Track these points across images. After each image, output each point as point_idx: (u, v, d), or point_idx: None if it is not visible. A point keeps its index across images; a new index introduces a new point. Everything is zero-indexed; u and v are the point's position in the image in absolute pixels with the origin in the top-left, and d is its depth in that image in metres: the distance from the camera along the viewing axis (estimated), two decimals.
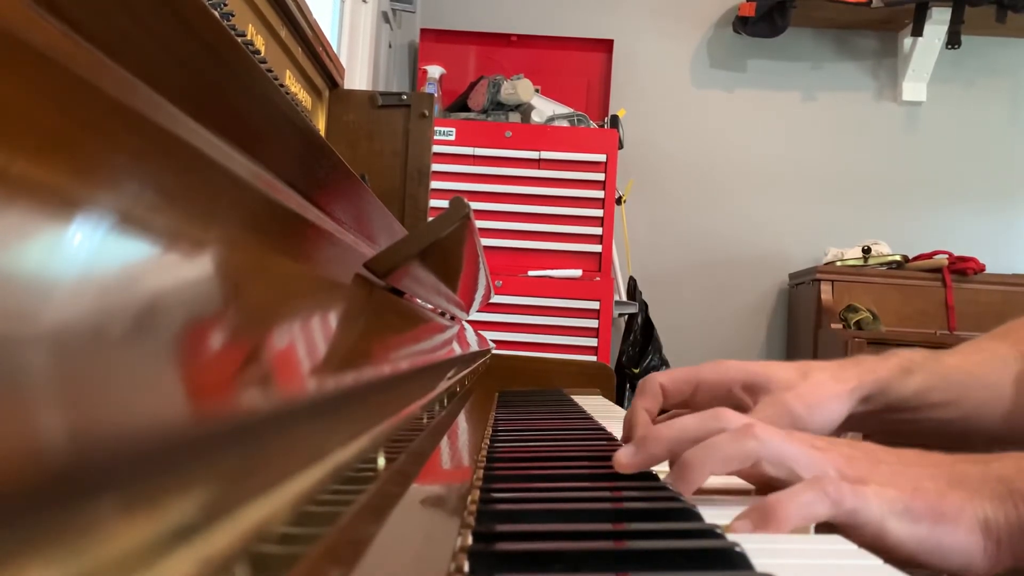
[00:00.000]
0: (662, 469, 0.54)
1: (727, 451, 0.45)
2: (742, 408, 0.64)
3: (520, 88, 2.64)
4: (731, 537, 0.35)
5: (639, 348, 2.82)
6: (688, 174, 3.12)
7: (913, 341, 2.41)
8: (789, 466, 0.45)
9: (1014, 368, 0.68)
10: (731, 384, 0.67)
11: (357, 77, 2.13)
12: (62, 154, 0.16)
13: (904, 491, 0.43)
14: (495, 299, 2.31)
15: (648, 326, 2.86)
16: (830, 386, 0.66)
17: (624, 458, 0.48)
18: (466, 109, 2.73)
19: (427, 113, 1.30)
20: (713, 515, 0.39)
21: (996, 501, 0.44)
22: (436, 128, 1.86)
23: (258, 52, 0.87)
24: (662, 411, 0.68)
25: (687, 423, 0.49)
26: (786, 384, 0.66)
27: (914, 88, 3.10)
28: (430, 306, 0.80)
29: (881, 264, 2.79)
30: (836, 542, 0.38)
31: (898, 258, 2.79)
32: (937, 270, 2.71)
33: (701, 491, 0.47)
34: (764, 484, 0.47)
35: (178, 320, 0.20)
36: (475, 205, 2.24)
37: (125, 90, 0.20)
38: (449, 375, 0.79)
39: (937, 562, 0.43)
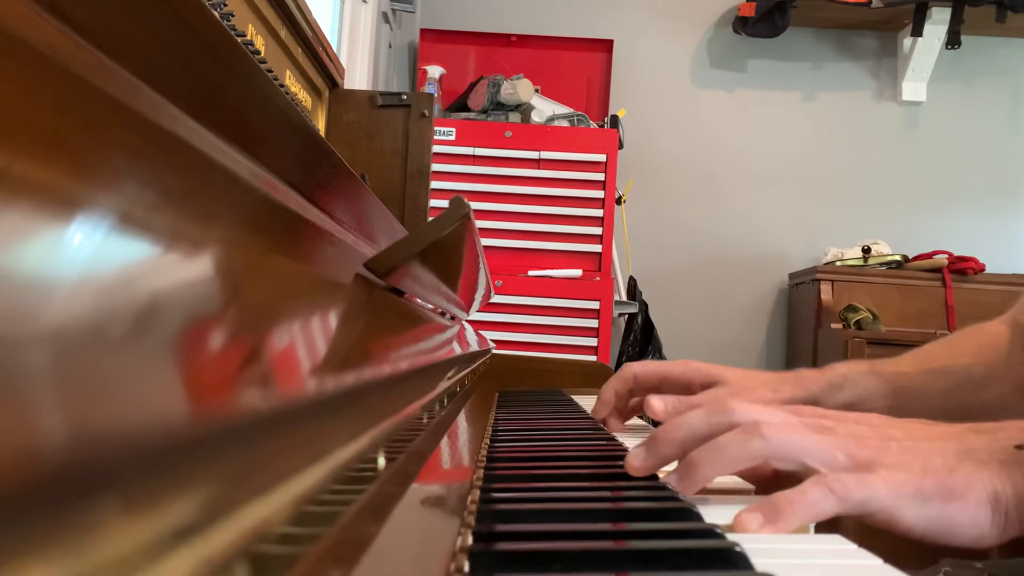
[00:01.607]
0: (664, 470, 0.54)
1: (733, 452, 0.45)
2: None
3: (520, 88, 2.64)
4: (732, 536, 0.35)
5: (639, 348, 2.82)
6: (688, 174, 3.12)
7: (913, 341, 2.41)
8: (797, 459, 0.45)
9: (950, 381, 0.76)
10: (693, 382, 0.79)
11: (357, 77, 2.13)
12: (62, 154, 0.16)
13: (914, 472, 0.44)
14: (495, 299, 2.31)
15: (648, 326, 2.86)
16: (766, 397, 0.75)
17: (636, 461, 0.49)
18: (466, 109, 2.73)
19: (427, 113, 1.30)
20: (713, 514, 0.39)
21: (1004, 471, 0.45)
22: (436, 128, 1.86)
23: (258, 52, 0.87)
24: (632, 397, 0.82)
25: (695, 422, 0.49)
26: (730, 383, 0.77)
27: (914, 88, 3.10)
28: (430, 306, 0.80)
29: (881, 264, 2.79)
30: (836, 542, 0.38)
31: (898, 258, 2.79)
32: (937, 270, 2.71)
33: (702, 490, 0.47)
34: (773, 478, 0.48)
35: (178, 320, 0.20)
36: (475, 205, 2.24)
37: (125, 90, 0.20)
38: (449, 375, 0.79)
39: (948, 539, 0.44)
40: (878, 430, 0.47)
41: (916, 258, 2.80)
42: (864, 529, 0.43)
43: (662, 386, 0.80)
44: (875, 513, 0.42)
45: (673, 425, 0.50)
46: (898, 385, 0.76)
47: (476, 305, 1.23)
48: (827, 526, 0.41)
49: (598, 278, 2.50)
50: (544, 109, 2.67)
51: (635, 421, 0.84)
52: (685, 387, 0.79)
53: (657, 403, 0.74)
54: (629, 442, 0.68)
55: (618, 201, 2.64)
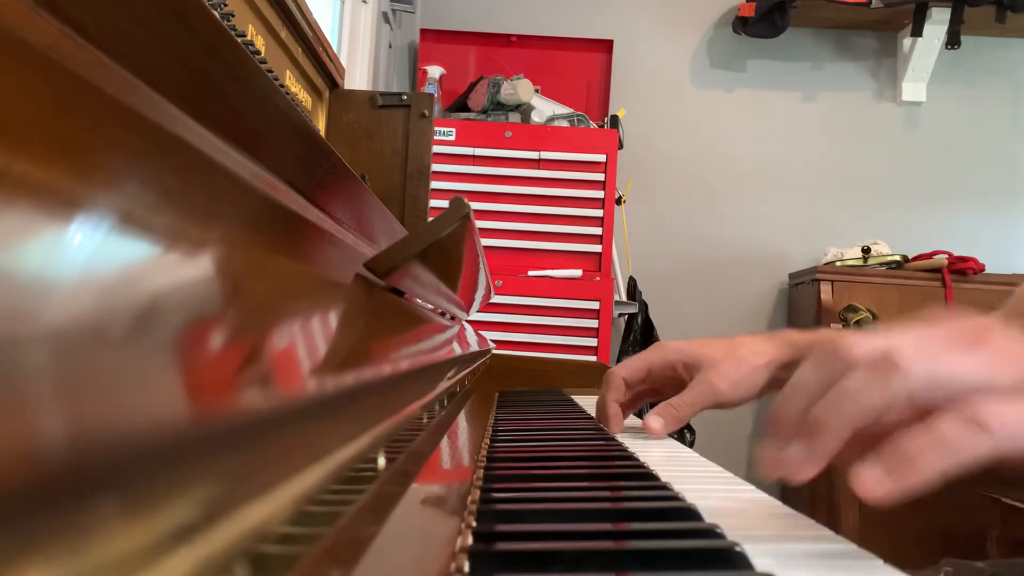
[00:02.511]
0: (666, 472, 0.54)
1: (868, 397, 0.35)
2: (684, 386, 0.76)
3: (520, 88, 2.64)
4: (731, 536, 0.35)
5: (639, 348, 2.82)
6: (688, 174, 3.12)
7: None
8: (951, 388, 0.35)
9: None
10: (674, 365, 0.78)
11: (357, 77, 2.13)
12: (62, 154, 0.16)
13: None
14: (495, 299, 2.31)
15: (648, 326, 2.86)
16: (750, 359, 0.74)
17: (796, 462, 0.37)
18: (466, 109, 2.73)
19: (427, 113, 1.30)
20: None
21: None
22: (436, 128, 1.86)
23: (258, 52, 0.87)
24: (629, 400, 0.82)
25: (805, 382, 0.38)
26: (713, 362, 0.75)
27: (914, 88, 3.10)
28: (430, 306, 0.80)
29: (881, 264, 2.79)
30: (836, 541, 0.38)
31: (898, 258, 2.78)
32: (937, 270, 2.70)
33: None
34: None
35: (178, 320, 0.20)
36: (475, 205, 2.24)
37: (125, 90, 0.20)
38: (449, 375, 0.79)
39: None
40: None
41: (916, 258, 2.80)
42: (864, 529, 0.43)
43: (649, 378, 0.80)
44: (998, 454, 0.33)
45: (783, 402, 0.38)
46: None
47: (476, 305, 1.23)
48: (827, 525, 0.41)
49: (598, 278, 2.50)
50: (544, 109, 2.67)
51: (632, 421, 0.84)
52: (670, 371, 0.79)
53: (655, 423, 0.74)
54: (629, 442, 0.69)
55: (618, 201, 2.64)
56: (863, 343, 0.37)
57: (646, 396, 0.83)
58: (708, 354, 0.76)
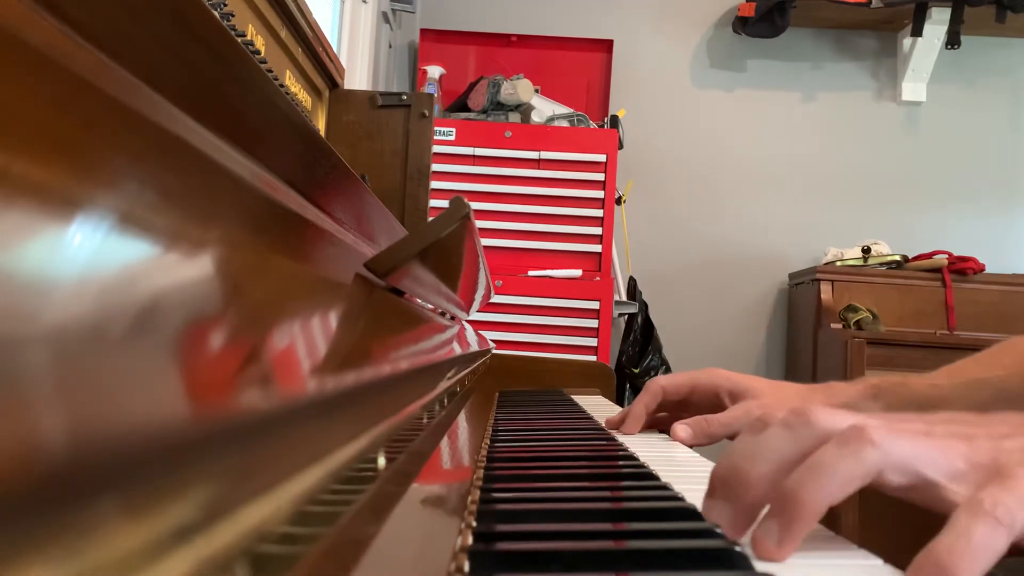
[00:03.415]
0: (666, 472, 0.54)
1: (845, 470, 0.35)
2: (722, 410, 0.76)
3: (520, 88, 2.64)
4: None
5: (639, 348, 2.82)
6: (688, 174, 3.12)
7: (913, 341, 2.42)
8: (914, 469, 0.35)
9: (985, 393, 0.73)
10: (720, 390, 0.79)
11: (357, 77, 2.13)
12: (62, 154, 0.16)
13: None
14: (495, 299, 2.31)
15: (648, 326, 2.86)
16: (793, 400, 0.74)
17: (725, 524, 0.37)
18: (466, 109, 2.73)
19: (427, 113, 1.30)
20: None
21: None
22: (436, 128, 1.86)
23: (258, 52, 0.87)
24: (660, 410, 0.82)
25: (777, 444, 0.37)
26: (758, 394, 0.77)
27: (914, 88, 3.10)
28: (430, 306, 0.80)
29: (881, 264, 2.79)
30: (837, 541, 0.38)
31: (898, 258, 2.78)
32: (937, 270, 2.70)
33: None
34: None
35: (178, 320, 0.20)
36: (475, 205, 2.24)
37: (125, 90, 0.20)
38: (449, 375, 0.79)
39: None
40: (982, 426, 0.39)
41: (916, 258, 2.80)
42: (864, 529, 0.42)
43: (690, 396, 0.80)
44: None
45: (748, 456, 0.38)
46: (932, 396, 0.74)
47: (476, 305, 1.23)
48: (827, 525, 0.41)
49: (598, 278, 2.50)
50: (544, 109, 2.67)
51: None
52: (713, 395, 0.79)
53: (682, 430, 0.73)
54: (628, 441, 0.69)
55: (618, 201, 2.64)
56: (832, 417, 0.37)
57: (669, 421, 0.78)
58: (755, 386, 0.78)
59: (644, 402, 0.79)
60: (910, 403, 0.73)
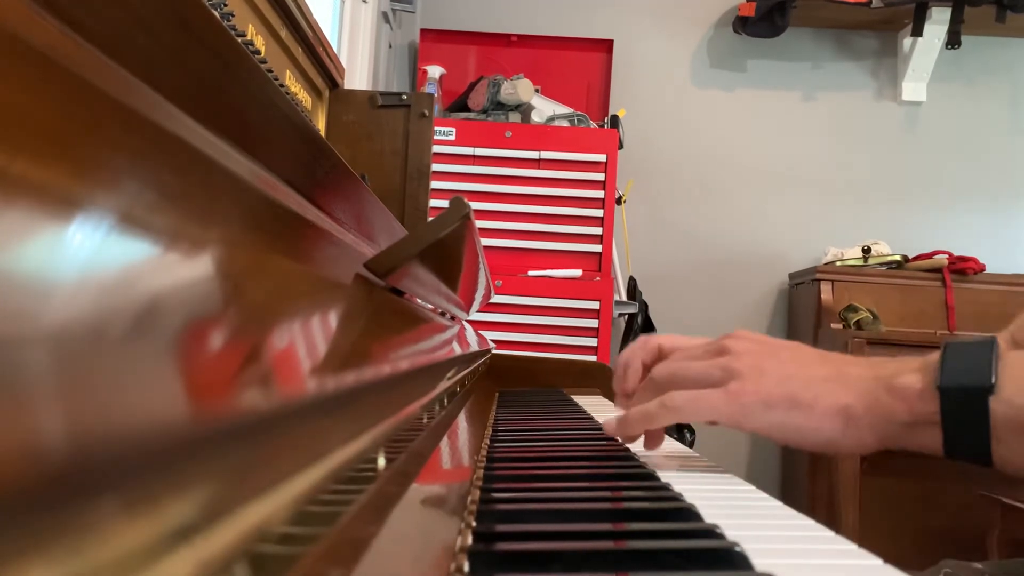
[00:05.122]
0: (665, 473, 0.54)
1: (647, 410, 0.58)
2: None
3: (520, 88, 2.64)
4: (731, 536, 0.35)
5: None
6: (688, 174, 3.12)
7: (913, 341, 2.41)
8: (685, 378, 0.57)
9: None
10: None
11: (357, 77, 2.14)
12: (62, 154, 0.16)
13: (763, 385, 0.53)
14: (495, 299, 2.31)
15: (648, 326, 2.86)
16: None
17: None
18: (466, 109, 2.73)
19: (427, 113, 1.30)
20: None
21: (864, 395, 0.51)
22: (436, 128, 1.86)
23: (258, 52, 0.87)
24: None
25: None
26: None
27: (914, 88, 3.10)
28: (430, 306, 0.80)
29: (881, 264, 2.79)
30: (836, 542, 0.38)
31: (898, 258, 2.78)
32: (937, 270, 2.70)
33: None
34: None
35: (178, 320, 0.20)
36: (475, 205, 2.24)
37: (125, 90, 0.20)
38: (449, 375, 0.79)
39: (798, 440, 0.53)
40: (773, 355, 0.55)
41: (916, 258, 2.80)
42: (864, 529, 0.43)
43: None
44: (720, 420, 0.53)
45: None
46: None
47: (476, 305, 1.23)
48: (827, 525, 0.41)
49: (598, 278, 2.50)
50: (544, 109, 2.67)
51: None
52: None
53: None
54: (633, 445, 0.68)
55: (618, 201, 2.64)
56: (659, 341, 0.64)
57: None
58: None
59: (640, 358, 0.70)
60: None
